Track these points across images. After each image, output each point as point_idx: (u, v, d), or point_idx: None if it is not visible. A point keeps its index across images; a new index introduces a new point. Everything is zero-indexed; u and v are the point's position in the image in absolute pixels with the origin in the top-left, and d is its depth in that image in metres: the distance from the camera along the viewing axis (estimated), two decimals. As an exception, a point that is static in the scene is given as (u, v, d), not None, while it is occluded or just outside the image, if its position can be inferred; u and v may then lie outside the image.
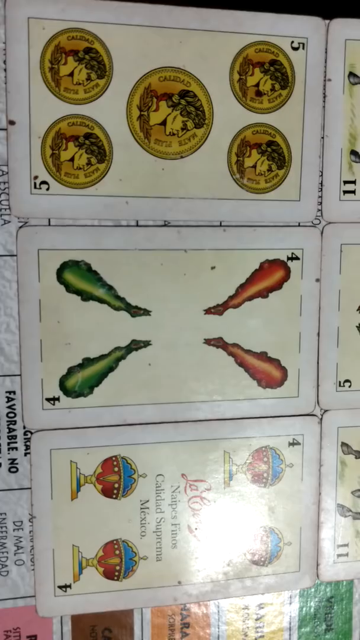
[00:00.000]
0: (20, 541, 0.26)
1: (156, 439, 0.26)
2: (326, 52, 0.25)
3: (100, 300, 0.25)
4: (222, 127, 0.25)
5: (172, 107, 0.25)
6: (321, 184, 0.26)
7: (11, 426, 0.25)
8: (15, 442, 0.25)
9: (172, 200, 0.25)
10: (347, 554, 0.28)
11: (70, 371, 0.25)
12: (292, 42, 0.25)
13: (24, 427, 0.25)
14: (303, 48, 0.25)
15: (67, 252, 0.25)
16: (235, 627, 0.28)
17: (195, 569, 0.27)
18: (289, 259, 0.26)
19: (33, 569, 0.26)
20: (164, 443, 0.26)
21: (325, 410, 0.27)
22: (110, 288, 0.25)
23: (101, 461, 0.26)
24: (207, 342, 0.26)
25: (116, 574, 0.26)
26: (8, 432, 0.25)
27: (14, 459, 0.25)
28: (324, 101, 0.26)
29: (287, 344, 0.26)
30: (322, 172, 0.26)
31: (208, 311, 0.26)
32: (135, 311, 0.25)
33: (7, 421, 0.25)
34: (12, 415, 0.25)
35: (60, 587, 0.26)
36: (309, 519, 0.27)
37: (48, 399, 0.25)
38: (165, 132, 0.25)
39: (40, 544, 0.26)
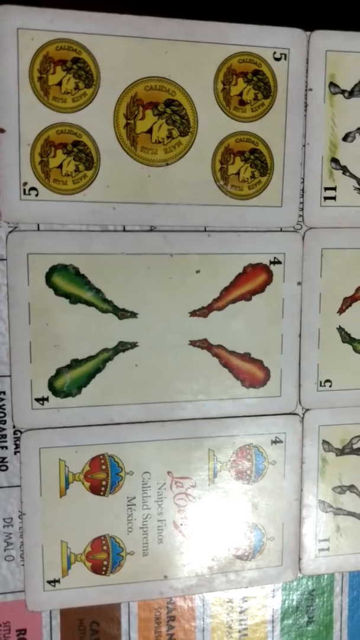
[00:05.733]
0: (10, 537, 0.26)
1: (143, 438, 0.27)
2: (307, 63, 0.26)
3: (88, 303, 0.26)
4: (207, 135, 0.26)
5: (157, 116, 0.25)
6: (302, 190, 0.27)
7: (1, 425, 0.26)
8: (5, 441, 0.26)
9: (158, 206, 0.26)
10: (328, 549, 0.29)
11: (59, 372, 0.26)
12: (275, 52, 0.26)
13: (14, 427, 0.26)
14: (285, 59, 0.26)
15: (55, 257, 0.25)
16: (220, 619, 0.29)
17: (181, 563, 0.28)
18: (271, 263, 0.27)
19: (23, 565, 0.26)
20: (150, 441, 0.27)
21: (307, 409, 0.28)
22: (98, 291, 0.26)
23: (89, 459, 0.26)
24: (192, 343, 0.27)
25: (104, 568, 0.27)
26: (-2, 432, 0.26)
27: (4, 458, 0.26)
28: (305, 110, 0.26)
29: (270, 345, 0.27)
30: (303, 179, 0.27)
31: (193, 313, 0.27)
32: (122, 314, 0.26)
33: (-2, 421, 0.26)
34: (2, 414, 0.26)
35: (49, 582, 0.27)
36: (291, 514, 0.28)
37: (37, 399, 0.26)
38: (151, 140, 0.25)
39: (30, 540, 0.26)
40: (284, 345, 0.27)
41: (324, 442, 0.28)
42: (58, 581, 0.27)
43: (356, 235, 0.27)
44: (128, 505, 0.27)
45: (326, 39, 0.26)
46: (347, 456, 0.29)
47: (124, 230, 0.26)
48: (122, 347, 0.26)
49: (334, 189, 0.27)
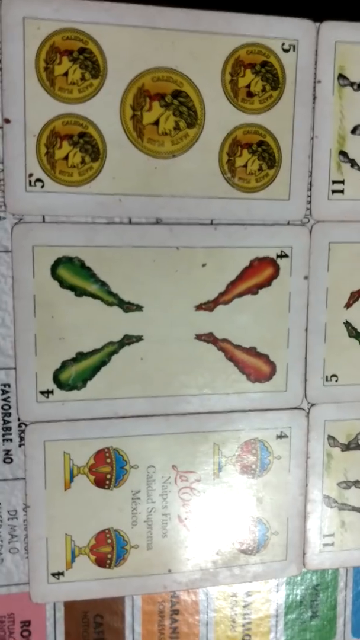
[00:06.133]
0: (15, 530, 0.26)
1: (148, 431, 0.27)
2: (316, 54, 0.26)
3: (94, 296, 0.26)
4: (214, 127, 0.25)
5: (164, 107, 0.25)
6: (310, 183, 0.27)
7: (6, 418, 0.26)
8: (10, 434, 0.26)
9: (164, 199, 0.25)
10: (332, 544, 0.29)
11: (64, 365, 0.26)
12: (283, 44, 0.25)
13: (19, 419, 0.26)
14: (294, 50, 0.26)
15: (61, 249, 0.25)
16: (224, 613, 0.29)
17: (185, 557, 0.27)
18: (278, 256, 0.27)
19: (27, 557, 0.26)
20: (155, 435, 0.27)
21: (313, 404, 0.28)
22: (104, 284, 0.26)
23: (94, 452, 0.26)
24: (198, 337, 0.27)
25: (108, 562, 0.27)
26: (3, 424, 0.26)
27: (9, 450, 0.26)
28: (313, 102, 0.26)
29: (276, 340, 0.27)
30: (311, 172, 0.27)
31: (199, 307, 0.26)
32: (127, 307, 0.26)
33: (2, 413, 0.26)
34: (7, 407, 0.26)
35: (53, 574, 0.27)
36: (295, 509, 0.28)
37: (42, 392, 0.26)
38: (158, 131, 0.25)
39: (34, 532, 0.26)
40: (290, 339, 0.27)
41: (330, 437, 0.28)
42: (62, 574, 0.27)
43: (364, 229, 0.27)
44: (132, 498, 0.27)
45: (336, 30, 0.26)
46: (353, 451, 0.28)
47: (130, 222, 0.26)
48: (128, 340, 0.26)
49: (342, 182, 0.27)
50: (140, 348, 0.26)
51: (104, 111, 0.25)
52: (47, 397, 0.26)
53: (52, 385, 0.26)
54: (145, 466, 0.27)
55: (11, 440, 0.26)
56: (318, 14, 0.26)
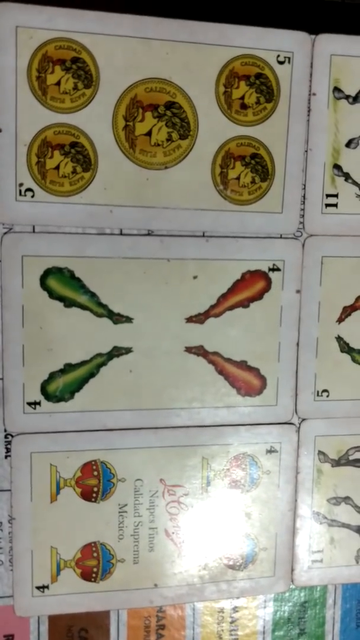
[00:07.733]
0: None
1: (136, 444, 0.26)
2: (311, 67, 0.26)
3: (83, 307, 0.25)
4: (207, 138, 0.25)
5: (157, 118, 0.25)
6: (304, 196, 0.26)
7: (-8, 429, 0.26)
8: (-4, 445, 0.26)
9: (155, 210, 0.25)
10: (321, 560, 0.28)
11: (52, 376, 0.25)
12: (278, 56, 0.25)
13: (5, 430, 0.25)
14: (289, 62, 0.25)
15: (50, 259, 0.25)
16: (210, 629, 0.28)
17: (172, 572, 0.27)
18: (270, 270, 0.27)
19: (12, 570, 0.26)
20: (144, 448, 0.26)
21: (303, 419, 0.28)
22: (93, 295, 0.25)
23: (81, 465, 0.26)
24: (188, 350, 0.26)
25: (93, 575, 0.27)
26: (-11, 435, 0.25)
27: (-5, 461, 0.26)
28: (308, 115, 0.26)
29: (267, 354, 0.27)
30: (305, 185, 0.26)
31: (189, 320, 0.26)
32: (117, 318, 0.26)
33: (-11, 424, 0.25)
34: (-7, 418, 0.25)
35: (38, 587, 0.26)
36: (284, 525, 0.28)
37: (29, 403, 0.25)
38: (151, 142, 0.25)
39: (19, 545, 0.26)
40: (281, 353, 0.27)
41: (320, 452, 0.28)
42: (47, 587, 0.26)
43: (357, 244, 0.27)
44: (119, 512, 0.27)
45: (331, 43, 0.26)
46: (343, 467, 0.28)
47: (121, 233, 0.25)
48: (117, 352, 0.26)
49: (336, 195, 0.27)
50: (130, 360, 0.26)
51: (96, 121, 0.24)
52: (34, 408, 0.25)
53: (39, 397, 0.25)
54: (132, 479, 0.27)
55: (-3, 451, 0.26)
56: (314, 27, 0.26)
